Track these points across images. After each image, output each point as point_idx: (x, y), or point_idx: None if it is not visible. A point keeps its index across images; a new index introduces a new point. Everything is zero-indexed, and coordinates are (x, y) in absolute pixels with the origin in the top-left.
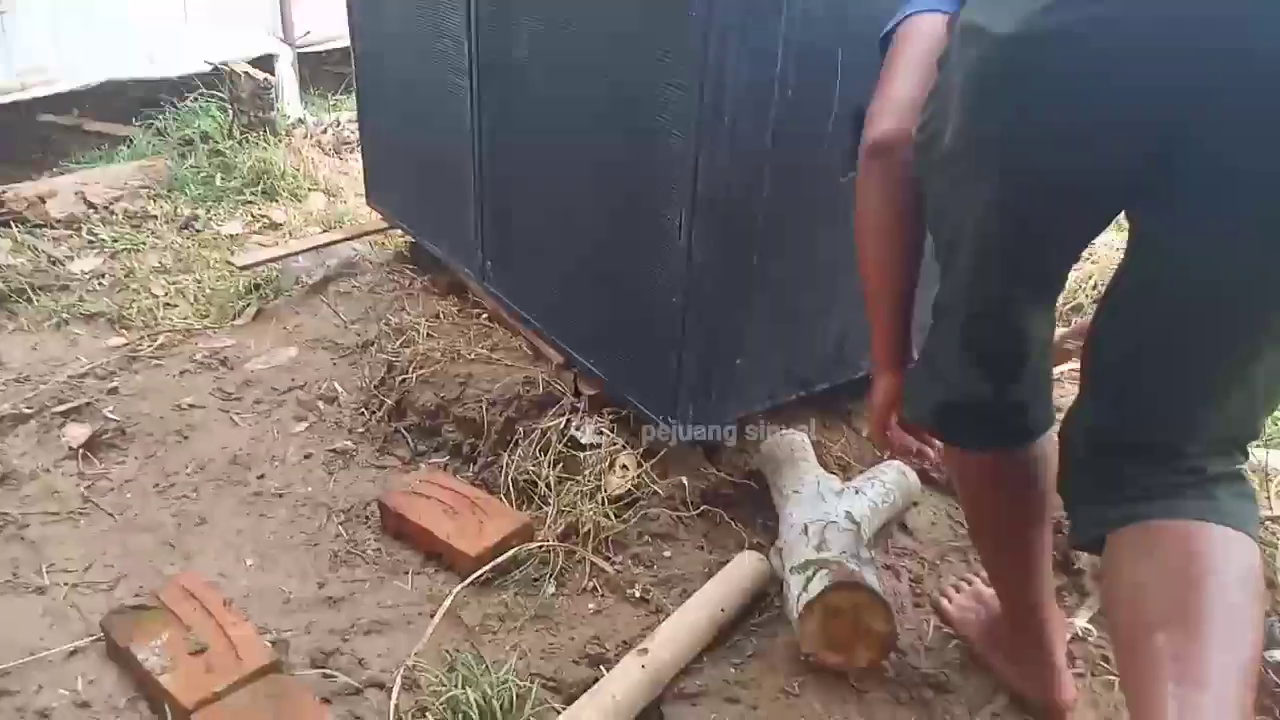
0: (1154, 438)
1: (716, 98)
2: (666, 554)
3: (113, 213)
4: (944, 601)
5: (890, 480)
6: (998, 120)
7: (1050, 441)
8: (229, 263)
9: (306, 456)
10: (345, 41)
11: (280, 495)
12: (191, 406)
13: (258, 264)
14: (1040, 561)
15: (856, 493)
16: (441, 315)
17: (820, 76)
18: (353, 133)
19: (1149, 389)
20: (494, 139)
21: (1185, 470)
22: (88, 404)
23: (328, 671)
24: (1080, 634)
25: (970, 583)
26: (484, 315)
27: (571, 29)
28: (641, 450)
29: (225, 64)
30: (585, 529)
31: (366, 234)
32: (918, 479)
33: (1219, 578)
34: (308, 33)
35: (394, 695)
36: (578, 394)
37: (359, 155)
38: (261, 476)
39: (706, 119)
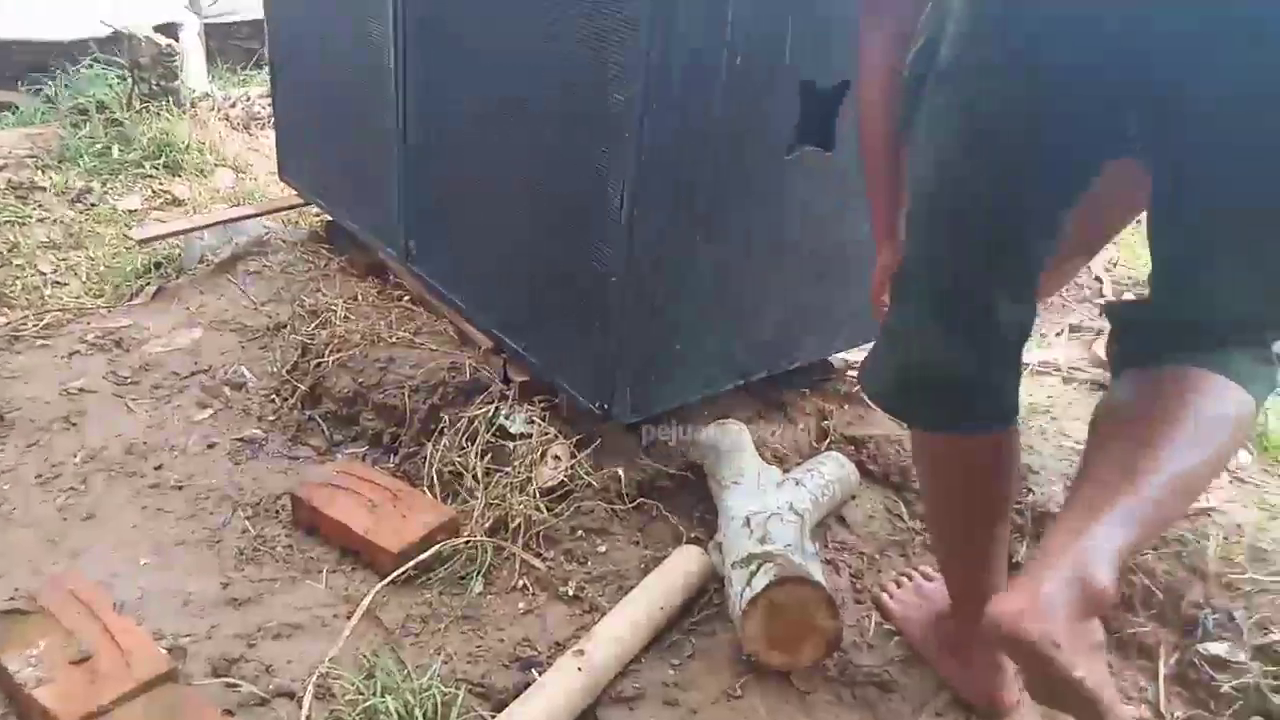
0: (1184, 316)
1: (663, 62)
2: (601, 549)
3: None
4: (885, 597)
5: (829, 472)
6: (993, 40)
7: (1017, 433)
8: (126, 237)
9: (210, 446)
10: (255, 14)
11: (180, 488)
12: (81, 391)
13: (156, 238)
14: (998, 557)
15: (796, 484)
16: (360, 297)
17: (770, 44)
18: (264, 108)
19: (1187, 281)
20: (420, 108)
21: (1211, 337)
22: None
23: (231, 680)
24: None
25: (911, 578)
26: (406, 298)
27: None
28: (574, 440)
29: (125, 28)
30: (515, 523)
31: (279, 210)
32: (856, 471)
33: (1199, 406)
34: (214, 1)
35: (305, 705)
36: (507, 380)
37: (271, 132)
38: (159, 467)
39: (653, 84)
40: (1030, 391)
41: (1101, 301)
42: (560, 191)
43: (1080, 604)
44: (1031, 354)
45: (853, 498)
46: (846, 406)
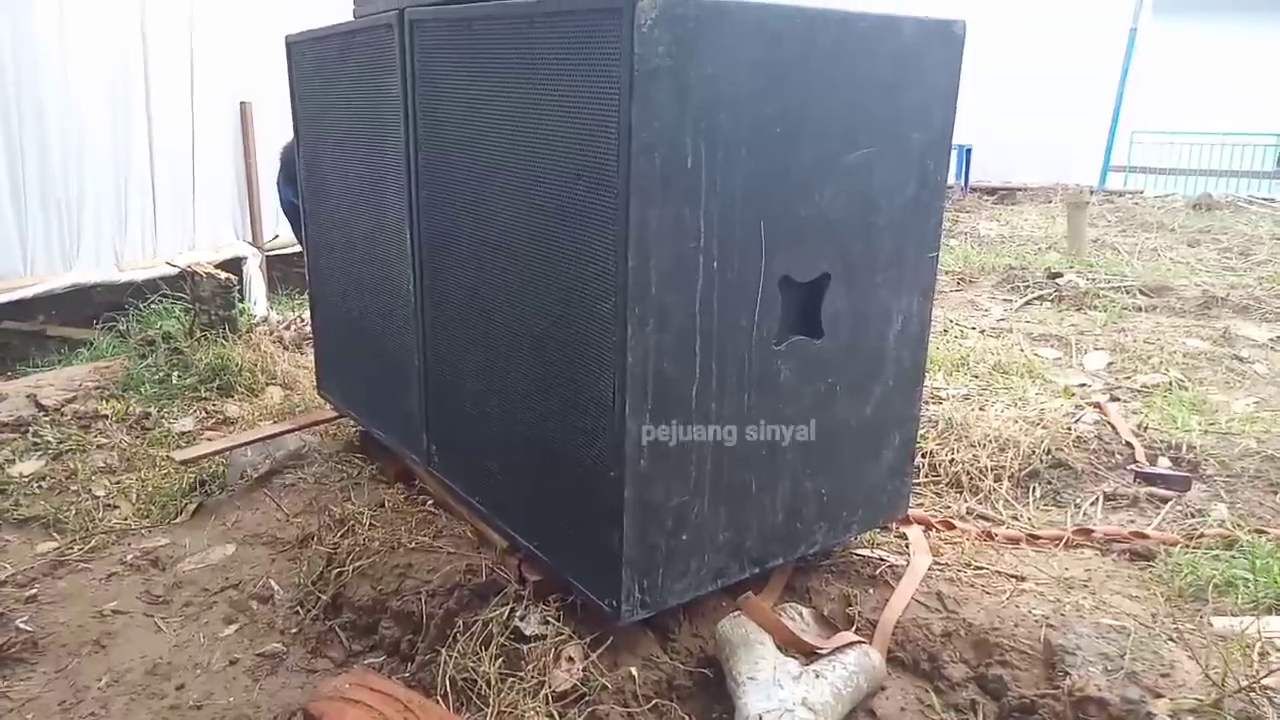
0: None
1: (643, 277)
2: None
3: (63, 414)
4: None
5: (853, 662)
6: None
7: None
8: (171, 458)
9: (232, 663)
10: None
11: (199, 708)
12: (114, 613)
13: (199, 458)
14: None
15: (817, 676)
16: (387, 503)
17: (746, 249)
18: None
19: None
20: (436, 325)
21: None
22: (0, 614)
23: None
24: None
25: None
26: (430, 501)
27: (504, 217)
28: (589, 640)
29: (190, 266)
30: None
31: (315, 424)
32: (882, 659)
33: None
34: (276, 236)
35: None
36: (522, 580)
37: None
38: (181, 687)
39: (634, 292)
40: (1065, 564)
41: (1134, 468)
42: (561, 394)
43: None
44: (1066, 525)
45: (881, 688)
46: (871, 590)
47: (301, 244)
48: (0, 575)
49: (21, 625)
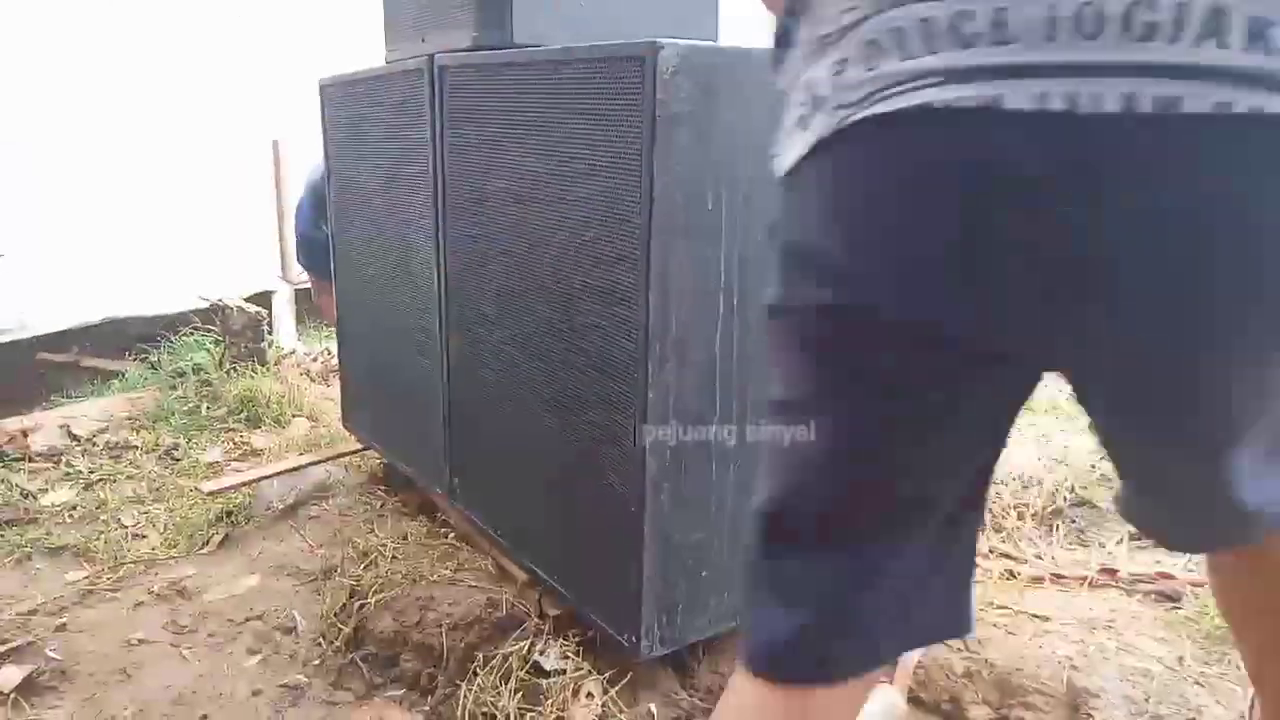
0: None
1: (662, 317)
2: None
3: (95, 444)
4: None
5: (872, 707)
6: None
7: None
8: (198, 489)
9: (255, 693)
10: None
11: None
12: (141, 642)
13: (224, 490)
14: None
15: None
16: (409, 536)
17: (766, 287)
18: None
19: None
20: (459, 361)
21: None
22: (30, 643)
23: None
24: None
25: None
26: (452, 535)
27: (528, 256)
28: (607, 675)
29: (220, 300)
30: None
31: (341, 456)
32: (903, 701)
33: None
34: (305, 270)
35: None
36: (542, 615)
37: None
38: (204, 717)
39: (655, 331)
40: (1090, 604)
41: None
42: (581, 430)
43: None
44: (1090, 564)
45: None
46: None
47: (307, 273)
48: (32, 604)
49: (51, 654)
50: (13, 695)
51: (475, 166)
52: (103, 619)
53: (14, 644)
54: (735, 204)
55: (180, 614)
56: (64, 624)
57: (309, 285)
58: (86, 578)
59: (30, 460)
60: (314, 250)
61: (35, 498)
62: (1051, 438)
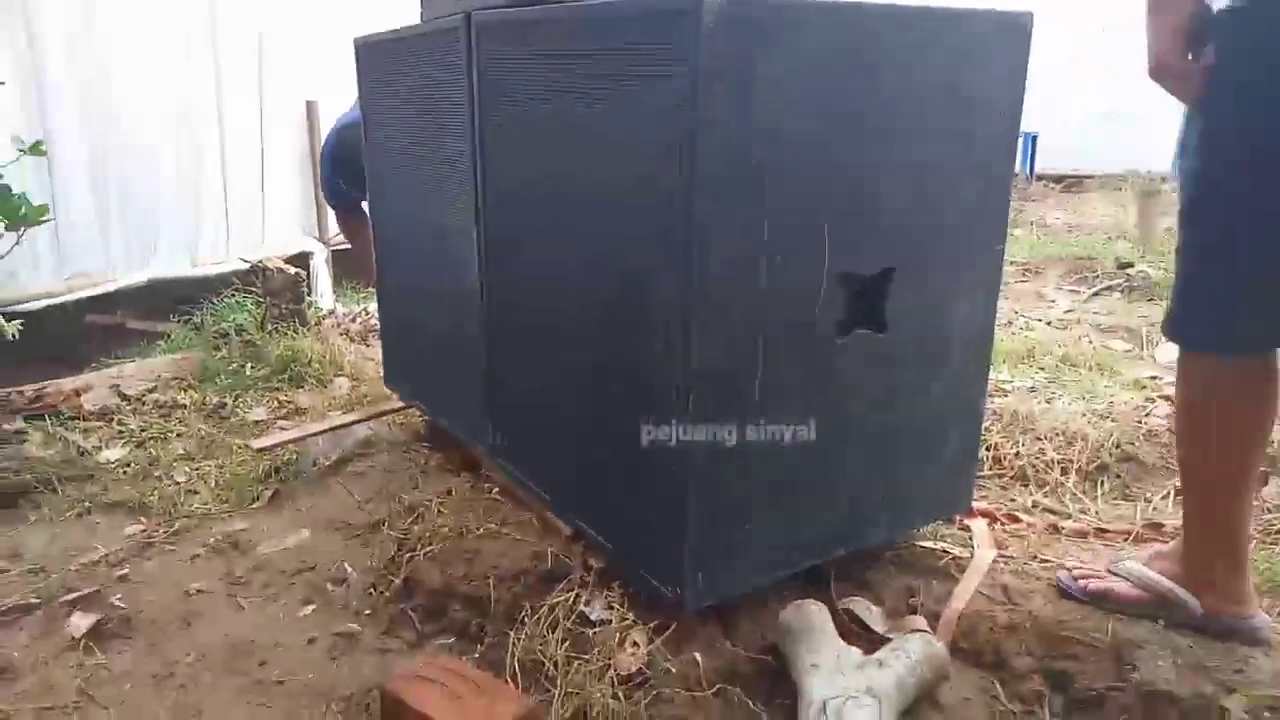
0: None
1: (703, 269)
2: None
3: (144, 404)
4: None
5: (916, 652)
6: None
7: None
8: (247, 446)
9: (310, 641)
10: None
11: (281, 683)
12: (199, 592)
13: (274, 446)
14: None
15: (880, 665)
16: (454, 491)
17: (809, 245)
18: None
19: None
20: (500, 319)
21: None
22: (96, 592)
23: None
24: None
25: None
26: (495, 490)
27: (569, 215)
28: (652, 625)
29: (260, 261)
30: (595, 712)
31: (383, 414)
32: (945, 650)
33: None
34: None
35: None
36: (587, 567)
37: None
38: (263, 664)
39: (695, 287)
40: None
41: None
42: (624, 388)
43: None
44: (1134, 519)
45: (945, 679)
46: (935, 582)
47: (340, 228)
48: (95, 555)
49: (116, 602)
50: (83, 641)
51: (514, 124)
52: (161, 571)
53: (81, 593)
54: (778, 161)
55: (235, 566)
56: (125, 575)
57: (345, 246)
58: (144, 531)
59: (84, 419)
60: (336, 191)
61: (91, 455)
62: (1097, 393)
